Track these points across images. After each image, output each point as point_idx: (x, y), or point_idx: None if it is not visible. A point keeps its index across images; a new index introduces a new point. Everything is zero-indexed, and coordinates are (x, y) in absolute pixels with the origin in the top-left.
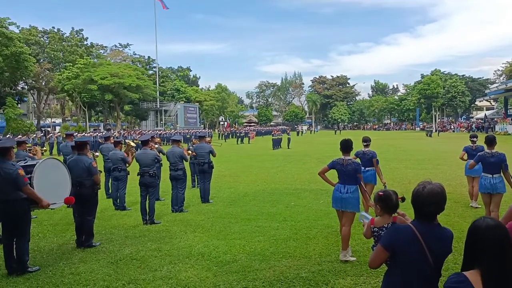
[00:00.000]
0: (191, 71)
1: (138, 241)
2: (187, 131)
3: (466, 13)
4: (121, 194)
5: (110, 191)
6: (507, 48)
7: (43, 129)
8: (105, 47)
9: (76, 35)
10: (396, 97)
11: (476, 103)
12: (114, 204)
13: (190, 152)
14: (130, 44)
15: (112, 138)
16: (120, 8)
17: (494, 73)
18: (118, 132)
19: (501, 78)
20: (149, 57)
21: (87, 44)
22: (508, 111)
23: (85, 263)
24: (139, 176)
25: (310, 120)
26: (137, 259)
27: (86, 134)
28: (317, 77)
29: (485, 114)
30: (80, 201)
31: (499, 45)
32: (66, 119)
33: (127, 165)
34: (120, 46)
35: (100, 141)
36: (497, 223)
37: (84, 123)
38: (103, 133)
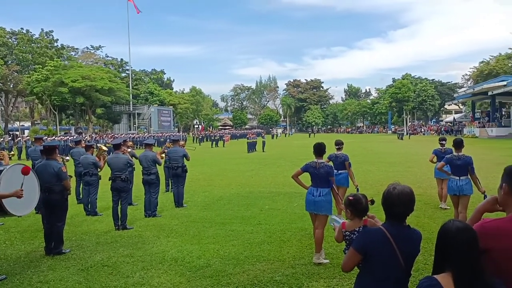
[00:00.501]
0: (165, 73)
1: (110, 247)
2: (161, 134)
3: (436, 19)
4: (92, 199)
5: (81, 196)
6: (474, 54)
7: (11, 133)
8: (76, 49)
9: (45, 37)
10: (368, 100)
11: (445, 106)
12: (85, 209)
13: (163, 156)
14: (102, 46)
15: (83, 142)
16: (92, 9)
17: (462, 78)
18: (89, 135)
19: (469, 82)
20: (122, 59)
21: (57, 45)
22: (476, 114)
23: (54, 270)
24: (110, 181)
25: (285, 123)
26: (109, 266)
27: (56, 138)
28: (292, 80)
29: (454, 118)
30: (49, 207)
31: (466, 50)
32: (36, 122)
33: (98, 169)
34: (92, 48)
35: (71, 145)
36: (466, 225)
37: (55, 127)
38: (74, 137)
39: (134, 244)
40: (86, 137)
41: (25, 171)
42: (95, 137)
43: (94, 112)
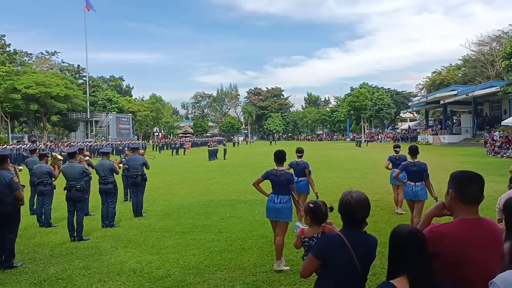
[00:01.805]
0: (123, 80)
1: (65, 259)
2: (119, 142)
3: (390, 30)
4: (46, 210)
5: (34, 206)
6: (427, 64)
7: None
8: (30, 54)
9: None
10: (327, 108)
11: (400, 114)
12: (39, 220)
13: (120, 165)
14: (58, 52)
15: (37, 151)
16: (47, 13)
17: (416, 87)
18: (44, 144)
19: (422, 91)
20: (78, 65)
21: (9, 50)
22: (429, 122)
23: (4, 285)
24: (66, 191)
25: (246, 131)
26: (63, 279)
27: (8, 146)
28: (253, 88)
29: (409, 125)
30: (0, 219)
31: (419, 60)
32: None
33: (53, 179)
34: (46, 54)
35: (25, 154)
36: (417, 229)
37: (6, 135)
38: (28, 145)
39: (91, 256)
40: (41, 146)
41: None
42: (50, 145)
43: (49, 120)
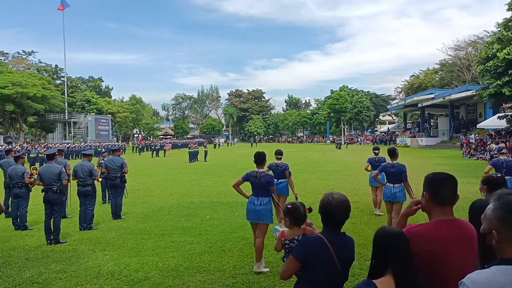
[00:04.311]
0: (103, 81)
1: (41, 263)
2: (98, 144)
3: (369, 34)
4: (22, 213)
5: (9, 209)
6: (405, 68)
7: None
8: (6, 54)
9: None
10: (308, 111)
11: (380, 117)
12: (14, 223)
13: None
14: (35, 52)
15: (13, 152)
16: (24, 12)
17: (394, 90)
18: (20, 145)
19: (401, 94)
20: (56, 65)
21: None
22: (407, 125)
23: None
24: (43, 193)
25: (227, 133)
26: (39, 283)
27: None
28: (234, 90)
29: (388, 128)
30: None
31: (398, 64)
32: None
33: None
34: (23, 53)
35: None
36: (402, 232)
37: None
38: (3, 147)
39: (68, 259)
40: (17, 147)
41: None
42: (27, 147)
43: (25, 121)
